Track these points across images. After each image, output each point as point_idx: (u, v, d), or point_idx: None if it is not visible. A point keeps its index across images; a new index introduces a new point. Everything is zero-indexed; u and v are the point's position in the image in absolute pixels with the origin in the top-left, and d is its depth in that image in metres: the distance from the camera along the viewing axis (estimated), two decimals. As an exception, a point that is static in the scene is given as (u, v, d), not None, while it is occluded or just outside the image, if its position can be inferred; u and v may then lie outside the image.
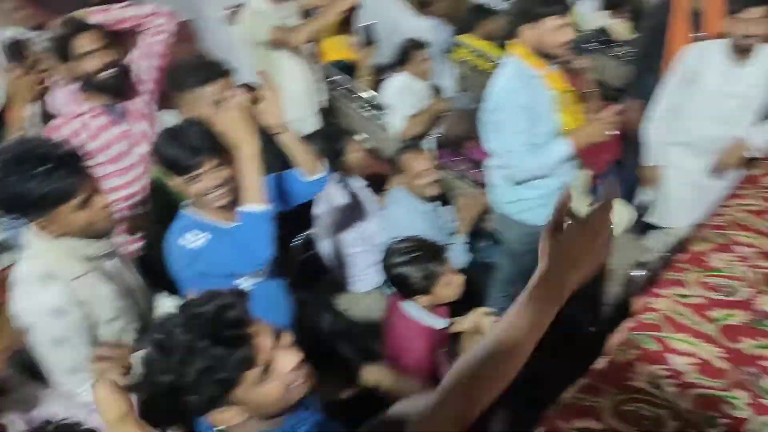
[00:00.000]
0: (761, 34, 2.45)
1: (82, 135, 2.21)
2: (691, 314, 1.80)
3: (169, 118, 2.24)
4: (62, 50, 2.20)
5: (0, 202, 1.49)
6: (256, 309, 1.06)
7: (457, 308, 2.11)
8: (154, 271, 1.87)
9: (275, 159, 1.90)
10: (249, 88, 1.83)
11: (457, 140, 3.06)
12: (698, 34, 2.93)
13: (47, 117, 2.46)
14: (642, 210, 3.06)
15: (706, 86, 2.66)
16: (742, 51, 2.56)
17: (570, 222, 0.91)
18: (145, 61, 2.43)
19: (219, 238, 1.70)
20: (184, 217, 1.78)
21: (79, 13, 2.32)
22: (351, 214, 2.71)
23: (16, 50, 2.52)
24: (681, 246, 2.23)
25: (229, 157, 1.68)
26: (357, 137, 3.11)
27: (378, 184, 2.87)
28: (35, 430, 1.11)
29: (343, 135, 2.88)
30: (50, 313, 1.49)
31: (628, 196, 3.13)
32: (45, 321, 1.50)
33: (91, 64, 2.18)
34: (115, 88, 2.26)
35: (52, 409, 1.56)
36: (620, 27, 5.12)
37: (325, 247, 2.70)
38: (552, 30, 2.18)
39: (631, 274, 2.51)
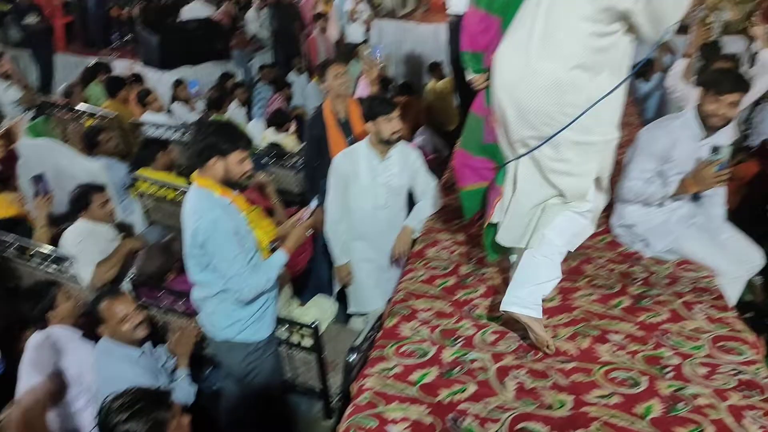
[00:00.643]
0: (399, 132, 2.99)
1: None
2: (396, 383, 2.06)
3: None
4: None
5: None
6: None
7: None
8: None
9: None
10: None
11: (156, 275, 3.02)
12: (350, 137, 3.46)
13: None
14: (344, 300, 3.38)
15: (361, 182, 3.11)
16: (383, 147, 3.09)
17: None
18: None
19: None
20: None
21: None
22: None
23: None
24: (380, 325, 2.54)
25: None
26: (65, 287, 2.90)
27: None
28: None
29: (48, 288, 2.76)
30: None
31: (328, 290, 3.43)
32: None
33: None
34: None
35: None
36: (289, 140, 5.70)
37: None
38: (237, 163, 2.38)
39: (348, 359, 2.74)
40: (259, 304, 2.48)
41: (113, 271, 3.19)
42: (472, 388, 2.02)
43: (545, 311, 2.23)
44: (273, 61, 8.66)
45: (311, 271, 3.64)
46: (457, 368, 2.13)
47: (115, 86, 6.04)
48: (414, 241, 3.10)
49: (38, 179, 3.45)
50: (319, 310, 3.13)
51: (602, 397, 1.96)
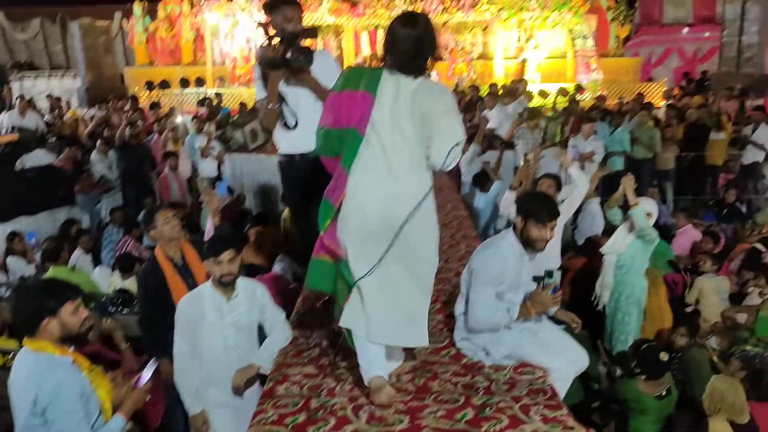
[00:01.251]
0: (229, 274, 3.00)
1: None
2: None
3: None
4: None
5: None
6: None
7: None
8: None
9: None
10: None
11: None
12: (190, 281, 3.39)
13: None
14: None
15: (208, 325, 3.05)
16: (225, 287, 3.06)
17: None
18: None
19: None
20: None
21: None
22: None
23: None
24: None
25: None
26: None
27: None
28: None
29: None
30: None
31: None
32: None
33: None
34: None
35: None
36: (134, 285, 5.47)
37: None
38: (70, 315, 2.27)
39: None
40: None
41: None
42: None
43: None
44: (123, 203, 8.46)
45: (167, 424, 3.41)
46: None
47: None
48: (264, 378, 3.04)
49: None
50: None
51: None
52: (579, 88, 12.72)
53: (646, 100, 11.38)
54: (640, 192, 8.24)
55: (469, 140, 7.37)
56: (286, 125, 3.38)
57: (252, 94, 9.30)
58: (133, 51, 16.66)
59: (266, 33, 3.30)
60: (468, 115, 9.92)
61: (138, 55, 16.31)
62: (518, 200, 3.34)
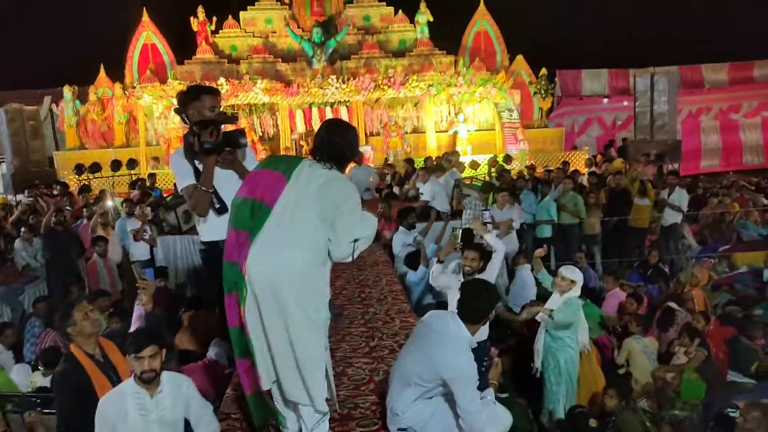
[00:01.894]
0: (149, 372, 2.91)
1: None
2: None
3: None
4: None
5: None
6: None
7: None
8: None
9: None
10: None
11: None
12: (114, 379, 3.25)
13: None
14: None
15: (131, 424, 2.92)
16: (149, 383, 2.95)
17: None
18: None
19: None
20: None
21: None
22: None
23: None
24: None
25: None
26: None
27: None
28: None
29: None
30: None
31: None
32: None
33: None
34: None
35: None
36: (57, 382, 5.17)
37: None
38: None
39: None
40: None
41: None
42: None
43: None
44: (48, 292, 8.08)
45: None
46: None
47: None
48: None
49: None
50: None
51: None
52: (508, 158, 13.26)
53: (571, 168, 11.97)
54: (568, 257, 8.63)
55: (403, 214, 7.50)
56: (217, 210, 3.39)
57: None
58: (64, 134, 16.41)
59: (186, 120, 3.36)
60: (404, 189, 10.23)
61: (68, 138, 16.07)
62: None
